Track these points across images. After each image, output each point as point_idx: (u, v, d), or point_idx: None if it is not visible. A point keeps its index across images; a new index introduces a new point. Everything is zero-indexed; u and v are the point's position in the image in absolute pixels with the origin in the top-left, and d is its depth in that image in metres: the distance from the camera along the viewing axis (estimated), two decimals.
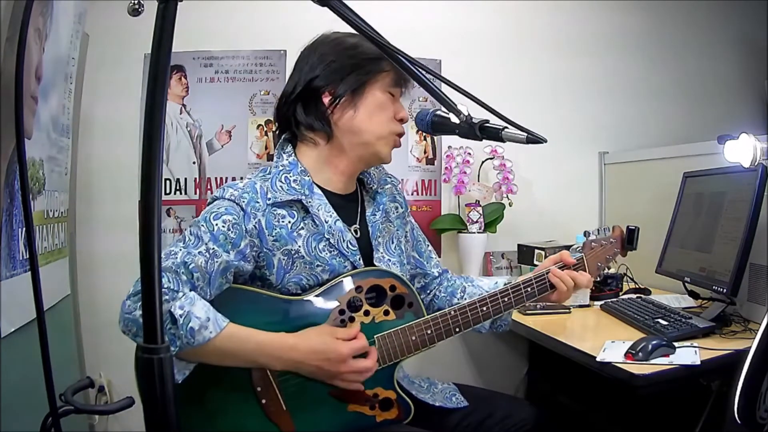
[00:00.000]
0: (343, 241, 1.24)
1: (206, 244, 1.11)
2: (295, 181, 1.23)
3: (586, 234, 1.41)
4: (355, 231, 1.29)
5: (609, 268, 1.44)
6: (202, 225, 1.14)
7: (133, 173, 2.17)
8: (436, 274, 1.47)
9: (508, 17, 2.51)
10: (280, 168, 1.25)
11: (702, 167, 1.84)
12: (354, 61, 1.24)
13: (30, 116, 1.39)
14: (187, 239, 1.13)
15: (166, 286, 1.04)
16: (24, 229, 1.33)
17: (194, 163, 2.30)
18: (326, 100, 1.24)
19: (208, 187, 2.29)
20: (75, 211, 2.13)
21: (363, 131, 1.25)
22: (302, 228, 1.22)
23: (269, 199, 1.19)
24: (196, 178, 2.30)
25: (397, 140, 1.29)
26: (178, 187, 2.29)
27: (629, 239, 1.42)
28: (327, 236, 1.22)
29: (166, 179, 2.27)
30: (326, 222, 1.23)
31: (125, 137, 2.20)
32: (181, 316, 1.02)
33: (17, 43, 0.87)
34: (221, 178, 2.30)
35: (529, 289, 1.29)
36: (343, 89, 1.23)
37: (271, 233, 1.18)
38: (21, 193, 0.93)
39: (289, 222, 1.21)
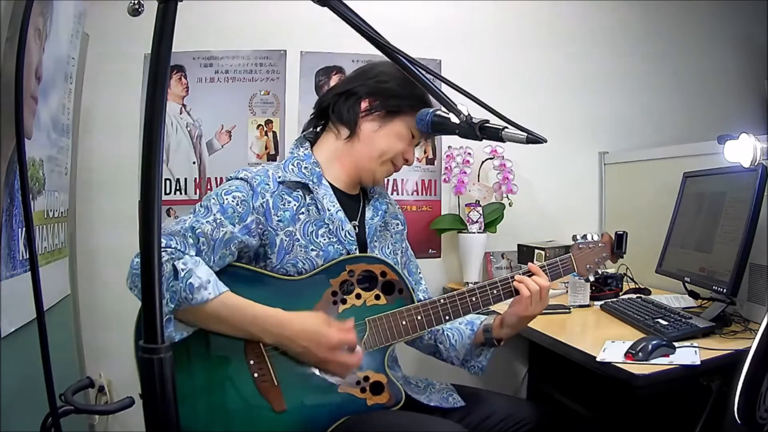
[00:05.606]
0: (342, 230, 1.31)
1: (214, 214, 1.19)
2: (306, 168, 1.33)
3: (574, 238, 1.44)
4: (354, 227, 1.34)
5: (599, 272, 1.45)
6: (213, 198, 1.22)
7: (133, 173, 2.17)
8: (422, 298, 1.48)
9: (508, 17, 2.51)
10: (294, 155, 1.35)
11: (702, 167, 1.84)
12: (402, 91, 1.34)
13: (30, 116, 1.38)
14: (197, 210, 1.21)
15: (173, 246, 1.11)
16: (24, 229, 1.32)
17: (194, 163, 2.30)
18: (363, 105, 1.35)
19: (208, 187, 2.29)
20: (75, 211, 2.13)
21: (375, 147, 1.35)
22: (303, 213, 1.28)
23: (279, 177, 1.28)
24: (196, 178, 2.30)
25: (392, 170, 1.40)
26: (178, 187, 2.29)
27: (618, 244, 1.43)
28: (327, 222, 1.29)
29: (166, 179, 2.27)
30: (328, 210, 1.30)
31: (125, 137, 2.19)
32: (182, 270, 1.08)
33: (17, 43, 0.87)
34: (221, 178, 2.30)
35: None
36: (381, 106, 1.35)
37: (276, 213, 1.25)
38: (21, 193, 0.93)
39: (294, 206, 1.29)
